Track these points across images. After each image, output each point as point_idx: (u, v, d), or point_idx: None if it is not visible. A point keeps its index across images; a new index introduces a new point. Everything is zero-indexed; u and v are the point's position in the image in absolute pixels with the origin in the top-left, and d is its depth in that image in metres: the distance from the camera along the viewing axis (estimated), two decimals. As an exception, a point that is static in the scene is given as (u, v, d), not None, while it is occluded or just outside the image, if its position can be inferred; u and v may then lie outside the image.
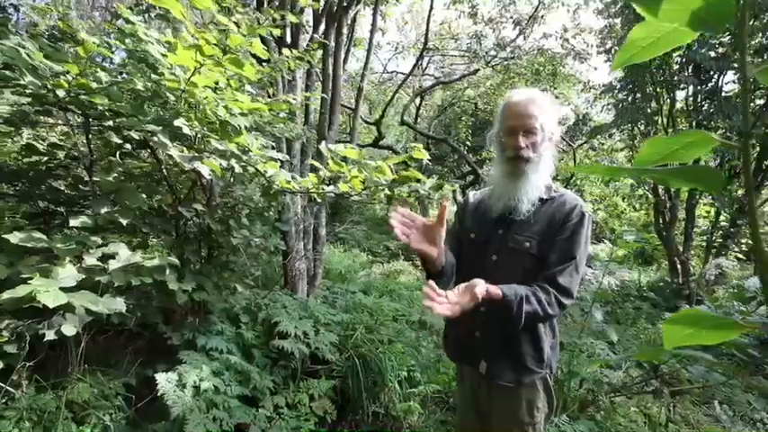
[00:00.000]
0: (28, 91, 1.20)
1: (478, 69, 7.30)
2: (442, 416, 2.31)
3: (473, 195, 1.34)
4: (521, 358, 1.14)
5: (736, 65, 4.66)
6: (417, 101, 8.73)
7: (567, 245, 1.09)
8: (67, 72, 1.19)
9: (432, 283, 0.95)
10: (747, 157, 0.34)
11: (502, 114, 1.17)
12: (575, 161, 7.57)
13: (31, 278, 1.01)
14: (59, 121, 3.03)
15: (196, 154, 1.29)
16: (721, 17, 0.33)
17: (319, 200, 1.72)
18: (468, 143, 8.86)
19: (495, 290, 0.99)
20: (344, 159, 1.38)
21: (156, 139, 1.18)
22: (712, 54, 4.70)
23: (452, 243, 1.26)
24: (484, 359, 1.17)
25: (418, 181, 1.38)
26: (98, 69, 1.36)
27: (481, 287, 0.95)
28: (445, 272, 1.13)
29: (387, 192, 1.30)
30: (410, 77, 7.89)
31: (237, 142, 1.37)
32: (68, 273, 1.09)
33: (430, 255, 1.03)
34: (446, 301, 0.91)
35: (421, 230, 1.04)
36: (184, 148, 1.34)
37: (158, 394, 1.74)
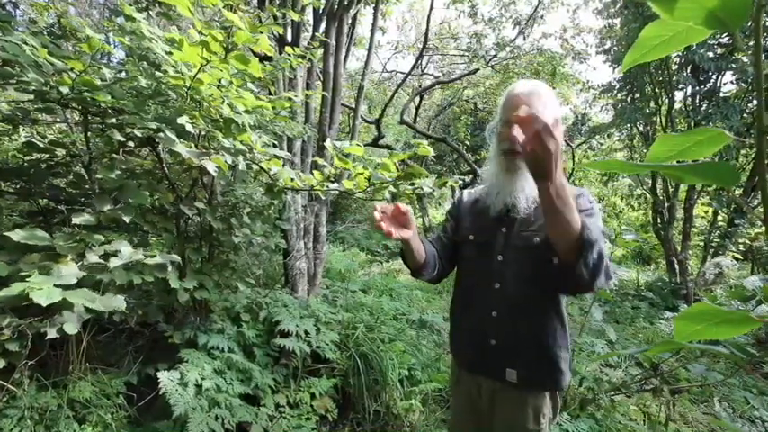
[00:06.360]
0: (31, 88, 1.19)
1: (478, 69, 7.30)
2: (443, 414, 2.32)
3: (467, 195, 1.29)
4: (553, 359, 1.08)
5: (734, 65, 4.68)
6: (417, 100, 8.72)
7: None
8: (71, 69, 1.18)
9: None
10: (762, 153, 0.34)
11: (502, 105, 1.11)
12: (573, 161, 7.59)
13: (30, 275, 1.00)
14: (57, 119, 3.01)
15: (203, 151, 1.28)
16: (738, 15, 0.34)
17: (323, 197, 1.72)
18: (467, 142, 8.86)
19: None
20: (347, 156, 1.38)
21: (162, 135, 1.17)
22: (711, 54, 4.72)
23: (445, 244, 1.24)
24: (510, 367, 1.10)
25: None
26: (101, 67, 1.35)
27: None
28: (428, 264, 1.13)
29: (391, 189, 1.30)
30: (410, 77, 7.89)
31: (241, 140, 1.37)
32: (70, 270, 1.08)
33: (406, 238, 1.02)
34: None
35: (396, 219, 1.03)
36: (192, 145, 1.34)
37: (160, 393, 1.74)
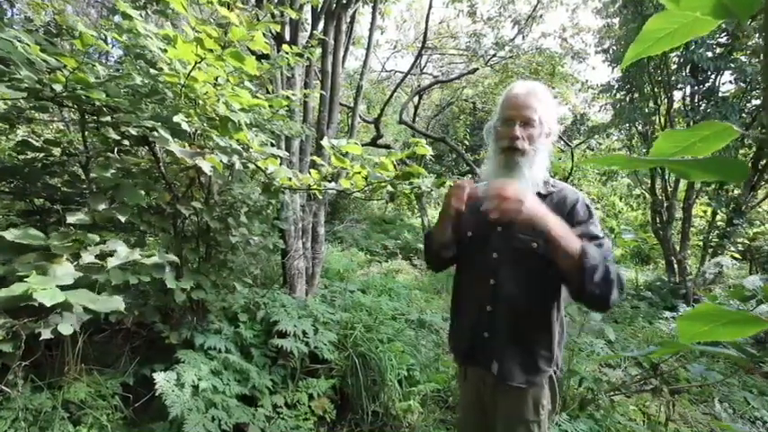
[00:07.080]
0: (24, 86, 1.18)
1: (477, 68, 7.29)
2: (442, 414, 2.30)
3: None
4: (533, 358, 1.11)
5: (733, 65, 4.67)
6: (416, 100, 8.71)
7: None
8: (65, 66, 1.17)
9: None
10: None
11: (501, 105, 1.14)
12: (572, 160, 7.59)
13: (27, 276, 0.98)
14: (54, 118, 2.99)
15: (198, 150, 1.27)
16: (747, 4, 0.32)
17: (320, 197, 1.71)
18: (466, 142, 8.86)
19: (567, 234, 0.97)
20: (345, 155, 1.37)
21: (156, 134, 1.16)
22: (710, 54, 4.71)
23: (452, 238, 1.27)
24: (495, 359, 1.14)
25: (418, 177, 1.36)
26: (95, 64, 1.33)
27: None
28: (450, 244, 1.22)
29: (389, 188, 1.28)
30: (408, 76, 7.87)
31: (238, 139, 1.35)
32: (66, 270, 1.07)
33: (462, 210, 1.09)
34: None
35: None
36: (186, 144, 1.32)
37: (156, 394, 1.72)
